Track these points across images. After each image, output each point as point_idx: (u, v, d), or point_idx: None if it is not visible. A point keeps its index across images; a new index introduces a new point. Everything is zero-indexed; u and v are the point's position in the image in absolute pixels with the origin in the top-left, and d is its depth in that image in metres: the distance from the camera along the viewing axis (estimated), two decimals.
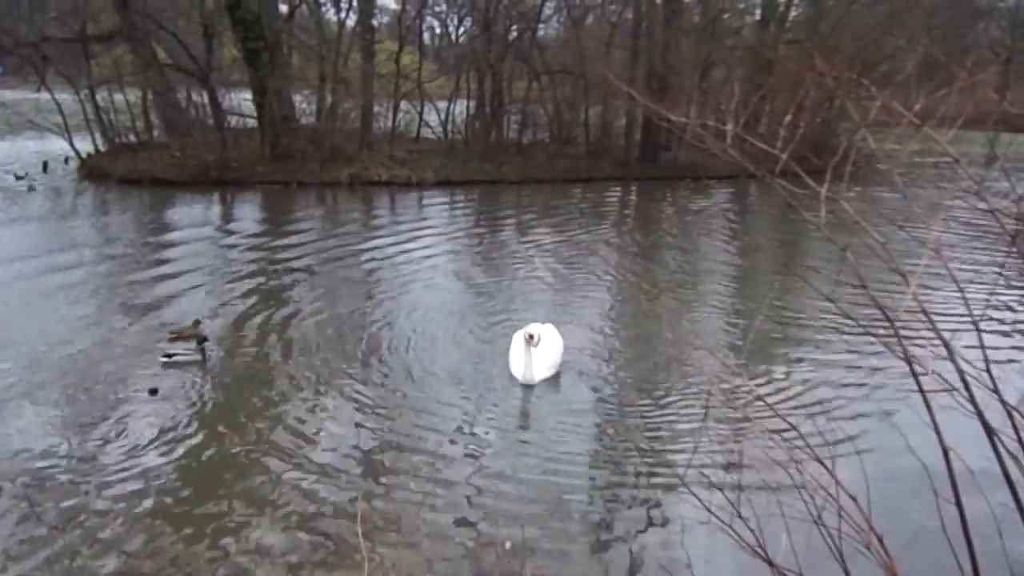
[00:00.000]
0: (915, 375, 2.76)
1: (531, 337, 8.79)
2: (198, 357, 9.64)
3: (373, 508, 6.55)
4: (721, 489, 4.64)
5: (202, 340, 9.77)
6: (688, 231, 20.47)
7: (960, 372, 2.87)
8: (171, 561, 5.74)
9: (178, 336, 10.12)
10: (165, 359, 9.55)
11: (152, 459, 7.34)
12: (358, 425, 8.20)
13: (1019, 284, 13.46)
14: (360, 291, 13.49)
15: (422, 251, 16.55)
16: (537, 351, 8.98)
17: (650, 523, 6.63)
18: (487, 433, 8.14)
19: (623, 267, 16.16)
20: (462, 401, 8.84)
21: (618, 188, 26.38)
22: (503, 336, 10.61)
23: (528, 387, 9.01)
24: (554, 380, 9.38)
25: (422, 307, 12.50)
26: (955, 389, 2.93)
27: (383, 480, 7.10)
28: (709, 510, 4.48)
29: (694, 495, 4.54)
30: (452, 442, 7.81)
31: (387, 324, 11.70)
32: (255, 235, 17.85)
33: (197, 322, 10.57)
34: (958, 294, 3.23)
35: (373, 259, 16.05)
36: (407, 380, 9.46)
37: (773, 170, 3.30)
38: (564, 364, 9.66)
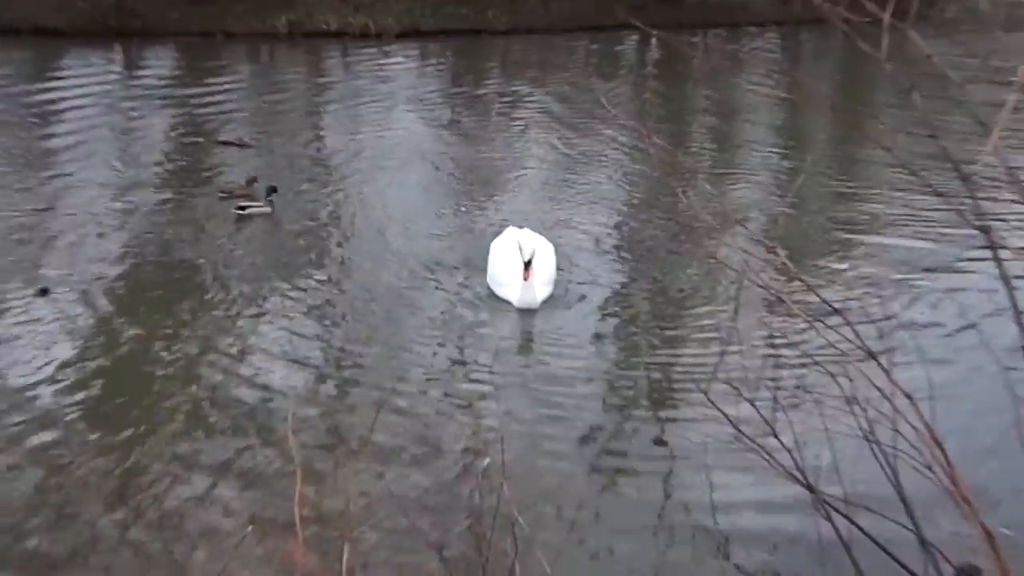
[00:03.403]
0: (992, 245, 2.75)
1: (528, 264, 8.86)
2: (268, 209, 11.26)
3: (316, 427, 6.80)
4: (752, 402, 4.75)
5: (272, 190, 11.39)
6: (723, 89, 20.19)
7: None
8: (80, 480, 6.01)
9: (229, 195, 11.68)
10: (239, 211, 11.17)
11: (63, 360, 7.62)
12: (307, 336, 8.36)
13: None
14: (306, 173, 13.44)
15: (384, 122, 16.42)
16: (533, 272, 9.05)
17: (665, 445, 6.89)
18: (461, 343, 8.36)
19: (639, 137, 15.75)
20: (434, 314, 8.98)
21: (634, 38, 25.75)
22: (486, 234, 10.65)
23: (529, 311, 9.11)
24: (551, 295, 9.46)
25: (385, 194, 12.52)
26: None
27: (328, 397, 7.33)
28: (737, 427, 4.52)
29: (719, 410, 4.53)
30: (419, 363, 7.98)
31: (342, 215, 11.72)
32: (170, 100, 17.55)
33: (252, 180, 11.92)
34: None
35: (321, 132, 15.94)
36: (366, 287, 9.59)
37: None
38: (564, 267, 9.78)
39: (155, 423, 6.92)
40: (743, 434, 4.37)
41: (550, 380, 7.88)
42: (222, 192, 11.93)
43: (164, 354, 7.87)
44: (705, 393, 5.50)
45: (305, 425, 6.82)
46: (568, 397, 7.62)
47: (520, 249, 9.00)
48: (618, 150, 15.36)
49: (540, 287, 9.16)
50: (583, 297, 9.59)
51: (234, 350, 8.03)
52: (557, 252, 9.68)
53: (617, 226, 11.81)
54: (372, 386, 7.56)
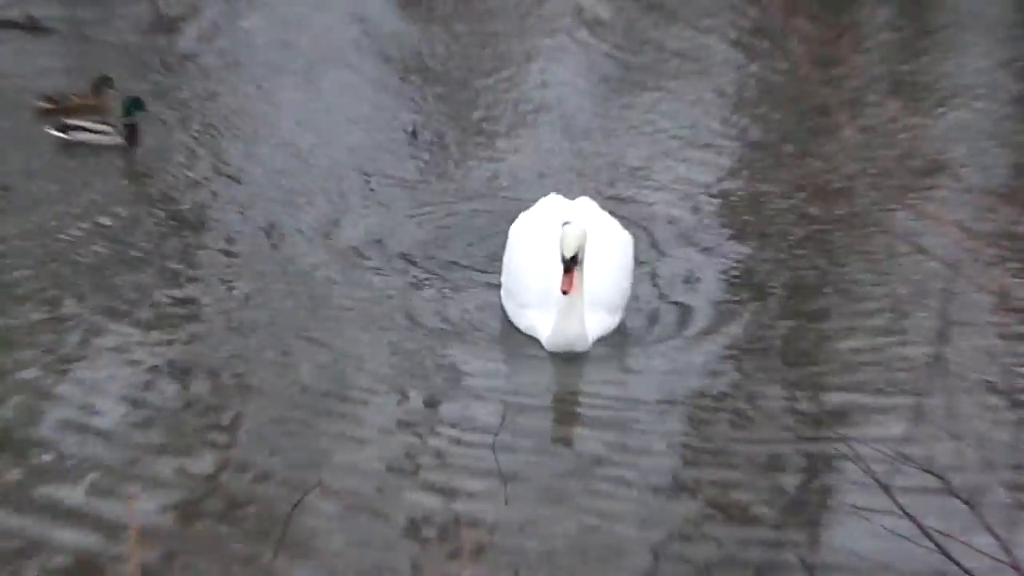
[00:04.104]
0: None
1: (570, 265, 8.49)
2: (118, 139, 11.52)
3: (181, 562, 6.67)
4: (970, 504, 4.65)
5: (133, 105, 11.56)
6: None
7: None
8: None
9: (60, 109, 12.02)
10: (59, 134, 11.40)
11: None
12: (173, 387, 8.33)
13: None
14: (155, 81, 13.51)
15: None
16: (581, 279, 8.67)
17: None
18: (443, 414, 8.24)
19: (767, 23, 15.61)
20: (396, 356, 8.87)
21: None
22: (497, 206, 10.71)
23: (569, 356, 8.96)
24: (617, 330, 9.25)
25: (317, 121, 12.67)
26: None
27: (202, 505, 7.17)
28: (944, 551, 4.52)
29: (911, 518, 4.64)
30: (367, 447, 7.84)
31: (244, 157, 11.87)
32: None
33: (103, 81, 12.32)
34: None
35: (183, 15, 15.85)
36: (282, 297, 9.60)
37: None
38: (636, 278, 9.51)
39: None
40: (953, 561, 4.49)
41: (604, 487, 7.56)
42: (46, 103, 12.17)
43: None
44: (886, 489, 5.20)
45: (163, 558, 6.64)
46: (634, 513, 7.29)
47: (561, 236, 8.58)
48: (727, 48, 15.30)
49: (594, 315, 8.95)
50: (667, 325, 9.42)
51: (41, 410, 7.94)
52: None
53: (726, 193, 11.64)
54: (283, 491, 7.24)
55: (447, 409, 8.37)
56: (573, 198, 10.01)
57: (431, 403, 8.45)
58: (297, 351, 8.92)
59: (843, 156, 11.62)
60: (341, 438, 7.99)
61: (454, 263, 10.26)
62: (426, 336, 9.18)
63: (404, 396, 8.43)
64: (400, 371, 8.75)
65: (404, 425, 8.18)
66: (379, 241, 10.54)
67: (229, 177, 11.63)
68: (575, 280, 8.51)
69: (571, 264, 8.47)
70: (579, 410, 8.72)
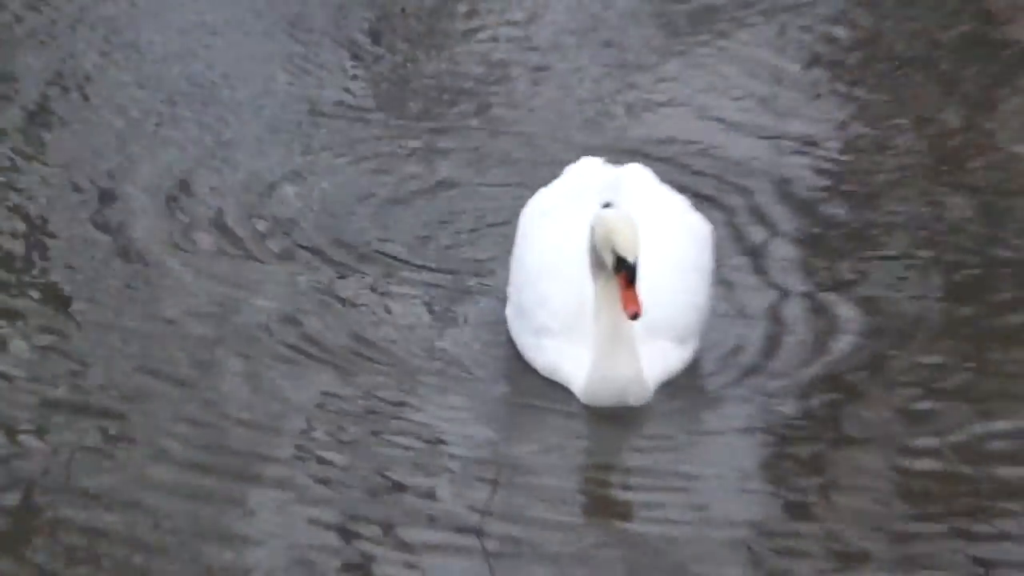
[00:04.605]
0: None
1: (631, 275, 7.18)
2: None
3: None
4: None
5: None
6: None
7: None
8: None
9: None
10: None
11: None
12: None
13: None
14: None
15: None
16: (639, 292, 7.32)
17: None
18: (430, 503, 6.70)
19: None
20: (324, 405, 7.49)
21: None
22: (493, 176, 9.86)
23: (618, 412, 7.53)
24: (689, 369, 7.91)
25: (203, 46, 11.82)
26: None
27: None
28: None
29: None
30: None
31: (93, 102, 10.93)
32: None
33: None
34: None
35: None
36: (176, 313, 8.26)
37: None
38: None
39: None
40: None
41: None
42: None
43: None
44: None
45: None
46: None
47: (602, 227, 7.17)
48: None
49: (655, 347, 7.43)
50: (763, 357, 7.86)
51: None
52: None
53: (830, 162, 10.30)
54: None
55: (413, 496, 6.88)
56: (618, 160, 8.43)
57: (389, 486, 7.00)
58: (178, 395, 7.49)
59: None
60: (249, 527, 6.51)
61: (426, 261, 8.95)
62: (384, 378, 7.75)
63: (346, 475, 7.01)
64: (341, 432, 7.32)
65: (346, 518, 6.67)
66: (307, 220, 9.34)
67: (94, 115, 10.58)
68: (636, 295, 7.02)
69: (631, 273, 6.98)
70: (632, 503, 7.02)
